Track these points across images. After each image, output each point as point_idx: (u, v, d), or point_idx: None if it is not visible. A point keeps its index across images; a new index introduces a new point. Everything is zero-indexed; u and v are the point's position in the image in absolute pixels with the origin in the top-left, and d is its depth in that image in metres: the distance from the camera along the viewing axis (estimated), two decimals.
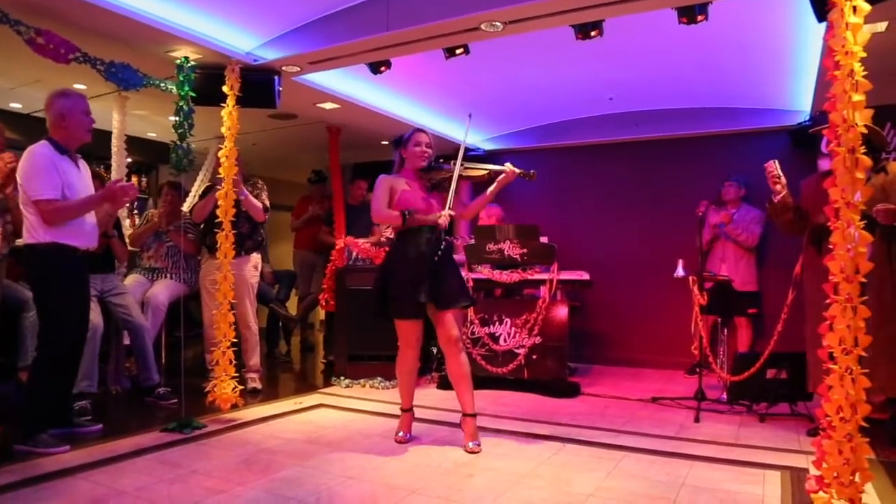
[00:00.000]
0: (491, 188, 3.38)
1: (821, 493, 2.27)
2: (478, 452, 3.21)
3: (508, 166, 3.38)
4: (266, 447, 3.28)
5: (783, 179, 3.62)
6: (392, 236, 4.01)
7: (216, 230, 4.04)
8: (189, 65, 4.04)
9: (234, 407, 3.95)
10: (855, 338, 2.23)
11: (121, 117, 5.31)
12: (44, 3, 3.48)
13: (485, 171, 3.41)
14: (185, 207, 5.62)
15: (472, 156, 6.44)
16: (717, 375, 4.48)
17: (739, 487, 2.73)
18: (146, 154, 7.07)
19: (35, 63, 3.84)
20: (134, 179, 7.29)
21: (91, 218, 3.36)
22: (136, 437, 3.40)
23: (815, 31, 3.81)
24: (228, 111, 4.06)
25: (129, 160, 6.74)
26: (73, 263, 3.20)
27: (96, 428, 3.50)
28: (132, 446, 3.22)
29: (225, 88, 4.09)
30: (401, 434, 3.44)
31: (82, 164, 3.48)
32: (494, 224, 5.82)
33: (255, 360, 4.80)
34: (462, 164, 3.39)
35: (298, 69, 4.47)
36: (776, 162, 3.63)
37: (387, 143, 7.10)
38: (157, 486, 2.66)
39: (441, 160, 3.51)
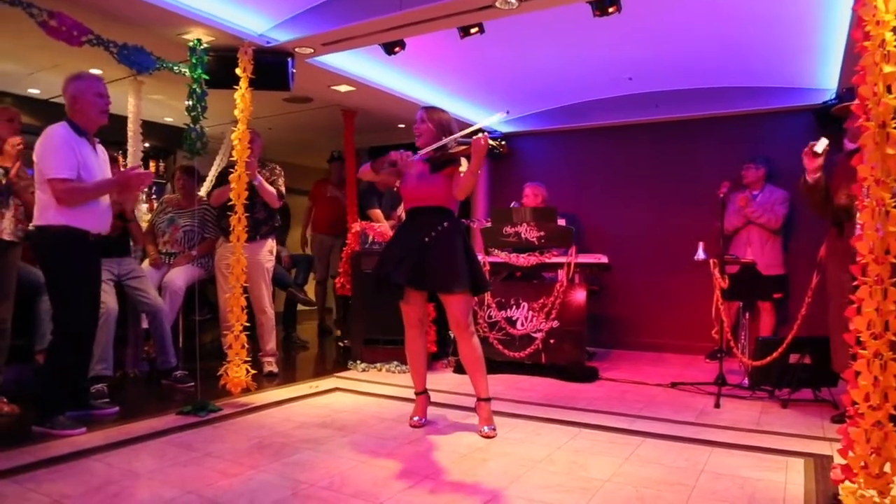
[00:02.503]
0: (471, 162, 3.11)
1: (847, 483, 2.19)
2: (493, 437, 3.18)
3: (477, 137, 3.05)
4: (280, 430, 3.27)
5: (820, 161, 3.47)
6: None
7: (229, 213, 4.02)
8: (202, 47, 4.00)
9: (247, 391, 3.95)
10: (885, 321, 2.13)
11: (136, 102, 5.30)
12: None
13: (464, 147, 3.14)
14: (203, 192, 5.63)
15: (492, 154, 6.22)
16: (738, 360, 4.39)
17: (760, 474, 2.66)
18: (163, 139, 7.08)
19: (52, 48, 3.84)
20: (151, 165, 7.33)
21: (104, 202, 3.35)
22: (151, 419, 3.41)
23: (843, 5, 3.68)
24: (241, 94, 4.02)
25: (147, 145, 6.78)
26: (83, 247, 3.20)
27: (112, 410, 3.52)
28: (148, 429, 3.23)
29: (238, 71, 4.05)
30: (416, 418, 3.42)
31: (101, 148, 3.47)
32: (540, 204, 5.73)
33: (271, 344, 4.80)
34: (456, 140, 3.22)
35: (312, 51, 4.42)
36: (824, 140, 3.41)
37: (403, 126, 7.04)
38: (170, 469, 2.66)
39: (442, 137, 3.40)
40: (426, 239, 3.18)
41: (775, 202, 5.24)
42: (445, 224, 3.24)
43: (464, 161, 3.24)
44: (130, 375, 4.57)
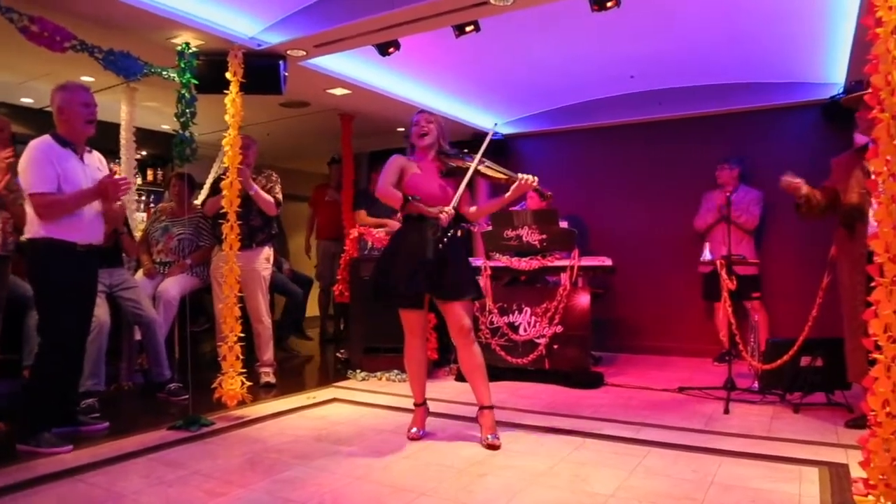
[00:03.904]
0: (507, 194, 3.17)
1: (869, 497, 2.07)
2: (498, 446, 3.06)
3: (528, 177, 3.12)
4: (273, 445, 3.16)
5: (797, 181, 3.47)
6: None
7: (222, 221, 3.92)
8: (190, 51, 3.91)
9: (242, 403, 3.84)
10: None
11: (129, 109, 5.22)
12: None
13: (503, 176, 3.19)
14: (198, 201, 5.54)
15: (492, 157, 6.17)
16: (747, 363, 4.25)
17: (773, 486, 2.53)
18: (160, 147, 7.01)
19: (43, 57, 3.75)
20: (149, 173, 7.26)
21: (92, 212, 3.25)
22: (142, 435, 3.31)
23: None
24: (232, 98, 3.94)
25: (144, 153, 6.71)
26: (70, 259, 3.10)
27: (102, 426, 3.43)
28: (137, 445, 3.13)
29: (228, 75, 3.97)
30: (413, 430, 3.29)
31: (92, 157, 3.38)
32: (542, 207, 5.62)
33: (268, 354, 4.69)
34: (482, 160, 3.18)
35: (304, 53, 4.32)
36: (789, 175, 3.49)
37: (402, 129, 6.94)
38: (156, 489, 2.55)
39: (466, 151, 3.35)
40: (440, 245, 3.08)
41: (750, 202, 5.19)
42: (459, 232, 3.18)
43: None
44: (125, 388, 4.48)
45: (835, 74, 5.05)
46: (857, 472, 2.42)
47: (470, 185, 3.17)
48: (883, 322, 2.04)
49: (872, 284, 2.11)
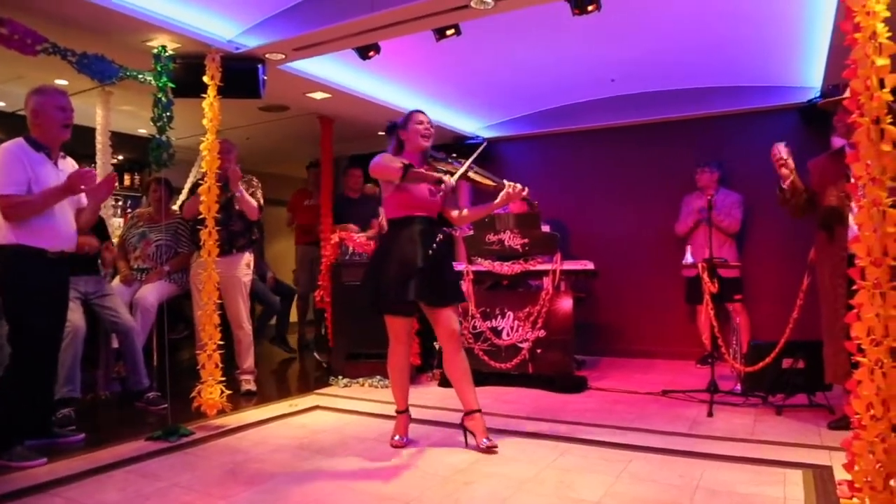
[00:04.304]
0: (496, 202, 3.17)
1: (854, 500, 2.07)
2: (496, 448, 3.04)
3: (516, 186, 3.14)
4: (254, 455, 3.10)
5: (790, 163, 3.41)
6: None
7: (200, 227, 3.86)
8: (167, 54, 3.85)
9: (222, 412, 3.78)
10: (885, 327, 2.01)
11: (104, 113, 5.13)
12: None
13: (492, 183, 3.19)
14: (176, 205, 5.46)
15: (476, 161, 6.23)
16: (729, 365, 4.27)
17: (758, 490, 2.53)
18: (136, 151, 6.89)
19: (15, 60, 3.67)
20: (126, 178, 7.15)
21: (64, 218, 3.18)
22: (119, 446, 3.23)
23: (825, 1, 3.59)
24: (210, 102, 3.87)
25: (120, 158, 6.61)
26: (40, 266, 3.02)
27: (78, 438, 3.35)
28: (114, 457, 3.05)
29: (206, 79, 3.91)
30: (396, 438, 3.25)
31: (66, 163, 3.31)
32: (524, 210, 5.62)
33: (249, 361, 4.62)
34: (471, 166, 3.18)
35: (283, 56, 4.28)
36: (783, 144, 3.41)
37: (383, 133, 6.90)
38: (133, 503, 2.49)
39: (454, 155, 3.32)
40: (430, 251, 3.05)
41: (731, 205, 5.21)
42: (443, 236, 3.17)
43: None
44: (102, 398, 4.39)
45: (811, 78, 5.11)
46: (840, 474, 2.43)
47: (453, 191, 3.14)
48: (866, 325, 2.05)
49: (854, 288, 2.11)
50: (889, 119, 2.10)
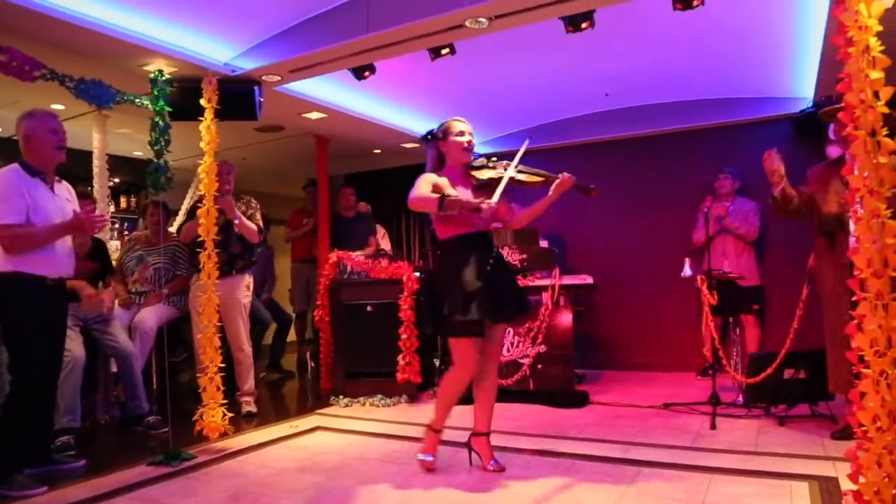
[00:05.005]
0: (550, 194, 3.07)
1: None
2: (503, 470, 3.02)
3: (565, 175, 3.05)
4: (256, 479, 3.08)
5: (781, 170, 3.43)
6: (383, 249, 3.79)
7: (200, 250, 3.86)
8: (163, 79, 3.86)
9: (224, 435, 3.75)
10: (888, 338, 2.02)
11: (101, 137, 5.14)
12: (6, 20, 3.33)
13: (540, 178, 3.05)
14: (173, 228, 5.46)
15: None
16: (730, 377, 4.27)
17: (764, 503, 2.52)
18: (133, 174, 6.90)
19: (10, 85, 3.69)
20: (122, 200, 7.16)
21: (62, 245, 3.17)
22: (120, 472, 3.21)
23: (815, 12, 3.64)
24: (206, 125, 3.89)
25: (117, 180, 6.61)
26: (39, 293, 3.01)
27: (79, 464, 3.32)
28: (115, 483, 3.03)
29: (202, 102, 3.92)
30: (430, 458, 3.09)
31: (62, 187, 3.31)
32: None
33: (249, 383, 4.60)
34: (516, 167, 3.04)
35: (279, 78, 4.30)
36: (775, 151, 3.43)
37: (379, 151, 6.94)
38: None
39: (494, 158, 3.17)
40: (487, 268, 2.96)
41: (749, 213, 5.20)
42: (499, 250, 3.12)
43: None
44: (101, 423, 4.36)
45: (803, 89, 5.15)
46: (846, 484, 2.42)
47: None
48: (868, 337, 2.05)
49: (855, 299, 2.12)
50: (885, 131, 2.12)
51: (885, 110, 2.10)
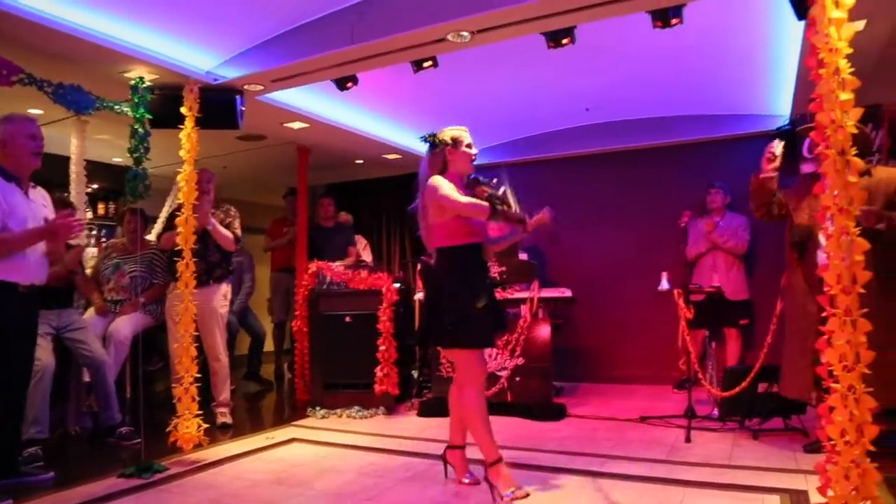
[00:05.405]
0: (519, 235, 3.19)
1: None
2: (478, 483, 2.99)
3: (546, 211, 3.13)
4: (230, 491, 3.04)
5: (777, 163, 3.43)
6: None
7: (177, 258, 3.82)
8: (144, 86, 3.84)
9: (199, 446, 3.71)
10: (857, 353, 2.06)
11: (79, 142, 5.07)
12: None
13: (518, 208, 3.08)
14: (151, 236, 5.40)
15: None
16: (707, 390, 4.31)
17: None
18: (112, 180, 6.81)
19: None
20: (100, 207, 7.07)
21: (36, 252, 3.13)
22: (90, 484, 3.15)
23: (792, 32, 3.71)
24: (187, 133, 3.87)
25: (95, 186, 6.54)
26: (10, 300, 2.97)
27: (47, 476, 3.25)
28: (84, 496, 2.98)
29: (183, 110, 3.91)
30: (467, 478, 3.05)
31: (37, 193, 3.28)
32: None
33: (225, 394, 4.56)
34: (505, 189, 3.09)
35: (262, 87, 4.29)
36: (778, 141, 3.46)
37: (361, 161, 6.93)
38: None
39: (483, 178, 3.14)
40: (487, 280, 3.03)
41: (738, 227, 5.24)
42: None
43: None
44: (72, 433, 4.28)
45: (780, 106, 5.26)
46: (816, 497, 2.45)
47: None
48: (837, 352, 2.09)
49: (825, 315, 2.16)
50: (854, 151, 2.17)
51: (855, 130, 2.15)
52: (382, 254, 7.70)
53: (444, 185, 2.89)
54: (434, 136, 3.04)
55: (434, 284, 3.03)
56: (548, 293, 4.79)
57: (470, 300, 2.86)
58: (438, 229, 2.96)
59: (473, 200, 2.86)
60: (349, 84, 4.20)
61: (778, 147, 3.42)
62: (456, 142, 3.04)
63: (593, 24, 3.46)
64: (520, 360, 4.57)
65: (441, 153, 3.02)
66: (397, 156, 6.52)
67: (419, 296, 5.10)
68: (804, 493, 2.77)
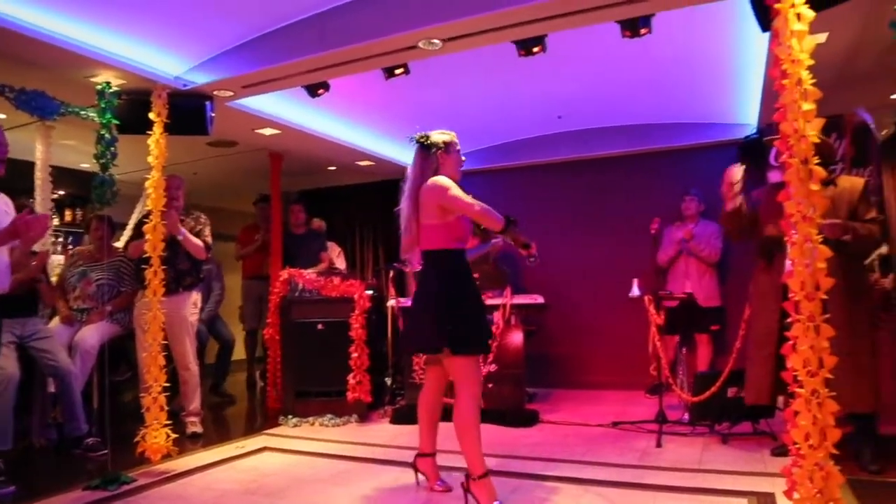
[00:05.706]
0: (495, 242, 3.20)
1: None
2: (449, 490, 3.02)
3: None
4: (199, 502, 3.00)
5: (738, 187, 3.51)
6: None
7: (145, 266, 3.76)
8: (111, 91, 3.78)
9: (168, 457, 3.64)
10: (819, 359, 2.10)
11: (45, 148, 4.97)
12: None
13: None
14: (120, 243, 5.30)
15: None
16: (677, 396, 4.36)
17: None
18: (78, 185, 6.69)
19: None
20: (67, 213, 6.93)
21: (0, 259, 3.06)
22: (52, 498, 3.08)
23: (758, 43, 3.79)
24: (155, 139, 3.82)
25: (61, 192, 6.41)
26: None
27: (8, 490, 3.17)
28: None
29: (152, 115, 3.86)
30: (438, 485, 3.09)
31: (2, 199, 3.19)
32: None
33: (195, 402, 4.49)
34: None
35: (232, 94, 4.25)
36: (738, 167, 3.52)
37: (334, 168, 6.90)
38: None
39: None
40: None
41: (711, 235, 5.30)
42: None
43: None
44: (36, 446, 4.17)
45: (747, 115, 5.36)
46: (783, 500, 2.49)
47: None
48: (801, 357, 2.13)
49: (789, 321, 2.20)
50: (817, 160, 2.22)
51: (817, 140, 2.20)
52: (356, 260, 7.66)
53: (453, 187, 2.86)
54: (427, 136, 3.02)
55: (424, 289, 2.97)
56: (520, 300, 4.81)
57: (473, 305, 2.87)
58: (434, 231, 2.90)
59: (488, 207, 2.85)
60: (321, 91, 4.18)
61: (738, 173, 3.47)
62: (448, 146, 3.03)
63: (563, 32, 3.49)
64: (492, 367, 4.58)
65: (435, 157, 3.00)
66: (370, 162, 6.51)
67: (392, 303, 5.09)
68: (771, 495, 2.81)
